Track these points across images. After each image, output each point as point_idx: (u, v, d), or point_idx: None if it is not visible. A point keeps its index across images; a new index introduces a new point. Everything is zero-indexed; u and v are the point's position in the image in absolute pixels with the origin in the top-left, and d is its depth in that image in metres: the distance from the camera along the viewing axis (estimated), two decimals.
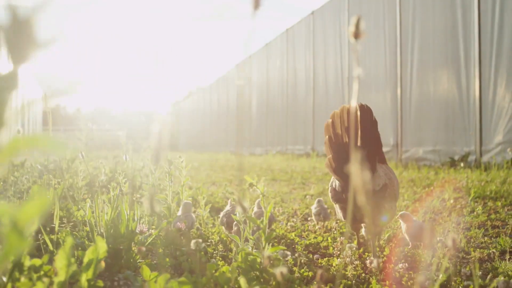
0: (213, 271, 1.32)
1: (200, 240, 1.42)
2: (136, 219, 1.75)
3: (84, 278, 1.13)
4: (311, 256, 2.11)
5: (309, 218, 3.33)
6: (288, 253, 1.48)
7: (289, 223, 2.92)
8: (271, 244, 1.63)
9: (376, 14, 10.49)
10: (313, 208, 2.88)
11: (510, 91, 7.23)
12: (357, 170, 1.99)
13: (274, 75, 17.46)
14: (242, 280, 1.14)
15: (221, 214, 2.43)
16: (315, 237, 2.44)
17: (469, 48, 7.85)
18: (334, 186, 2.06)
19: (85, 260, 1.14)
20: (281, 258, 1.45)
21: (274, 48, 17.39)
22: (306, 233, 2.66)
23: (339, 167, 1.95)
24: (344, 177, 1.96)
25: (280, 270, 1.01)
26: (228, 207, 2.43)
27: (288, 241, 2.43)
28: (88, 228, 1.75)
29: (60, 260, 1.06)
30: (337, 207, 2.09)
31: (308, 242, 2.34)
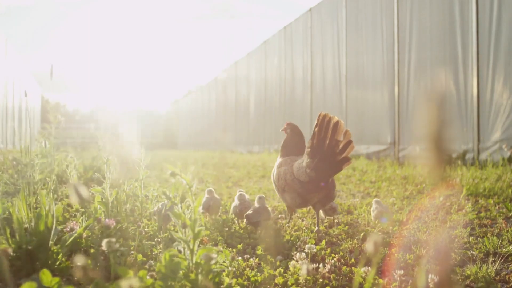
0: (129, 276, 1.13)
1: (114, 240, 1.22)
2: (53, 215, 1.54)
3: None
4: (269, 258, 1.90)
5: (279, 216, 3.14)
6: (214, 255, 1.26)
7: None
8: (206, 244, 1.43)
9: (373, 11, 10.28)
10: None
11: (508, 88, 7.05)
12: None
13: (272, 73, 17.24)
14: None
15: (232, 206, 2.72)
16: (283, 237, 2.24)
17: (467, 45, 7.68)
18: (298, 178, 2.51)
19: None
20: (208, 262, 1.24)
21: (272, 45, 17.16)
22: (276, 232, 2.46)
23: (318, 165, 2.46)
24: (317, 171, 2.45)
25: (128, 283, 0.81)
26: (236, 201, 2.74)
27: (251, 240, 2.22)
28: (16, 225, 1.56)
29: None
30: (296, 194, 2.52)
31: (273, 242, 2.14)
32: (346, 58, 11.45)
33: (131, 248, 1.74)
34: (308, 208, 3.32)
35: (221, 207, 3.03)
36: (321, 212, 2.85)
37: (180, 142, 37.73)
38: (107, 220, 1.73)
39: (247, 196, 2.84)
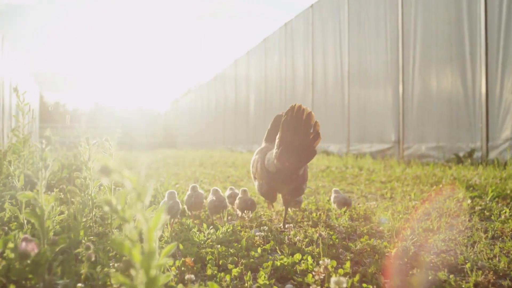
0: None
1: None
2: None
3: None
4: None
5: (284, 225, 2.64)
6: None
7: (257, 231, 2.21)
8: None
9: (376, 6, 9.85)
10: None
11: None
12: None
13: (272, 71, 16.76)
14: None
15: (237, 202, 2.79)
16: (292, 254, 1.74)
17: (475, 41, 7.29)
18: (268, 168, 2.51)
19: None
20: None
21: (272, 43, 16.66)
22: (282, 246, 1.95)
23: (284, 157, 2.40)
24: (284, 163, 2.40)
25: None
26: (240, 195, 2.83)
27: (251, 260, 1.71)
28: None
29: None
30: (264, 183, 2.55)
31: (279, 263, 1.62)
32: (348, 55, 11.02)
33: (82, 276, 1.25)
34: (319, 214, 2.85)
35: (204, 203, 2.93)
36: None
37: (179, 142, 37.25)
38: (23, 244, 1.19)
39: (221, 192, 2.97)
